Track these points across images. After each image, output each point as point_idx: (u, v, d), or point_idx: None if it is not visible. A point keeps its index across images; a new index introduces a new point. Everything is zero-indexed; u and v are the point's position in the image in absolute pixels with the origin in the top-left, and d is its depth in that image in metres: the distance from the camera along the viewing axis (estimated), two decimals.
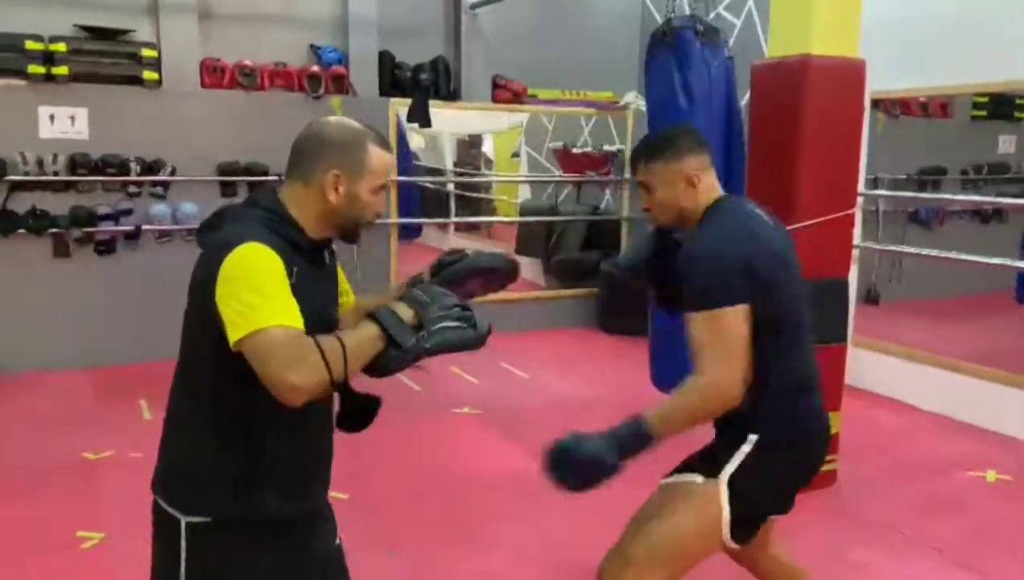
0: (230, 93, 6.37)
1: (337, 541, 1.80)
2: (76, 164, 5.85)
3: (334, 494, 1.77)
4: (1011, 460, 4.45)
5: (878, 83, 4.92)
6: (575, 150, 8.07)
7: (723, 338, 1.92)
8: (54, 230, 5.86)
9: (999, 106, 6.47)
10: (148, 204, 6.13)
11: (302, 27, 6.83)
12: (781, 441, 2.06)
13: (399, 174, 6.99)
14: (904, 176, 6.58)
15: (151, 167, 6.09)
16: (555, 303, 7.60)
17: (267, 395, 1.45)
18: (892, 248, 6.07)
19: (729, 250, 1.97)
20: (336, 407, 1.71)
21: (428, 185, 8.09)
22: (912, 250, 5.93)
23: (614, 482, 1.92)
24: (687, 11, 5.99)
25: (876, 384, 5.56)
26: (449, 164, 8.91)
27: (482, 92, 7.39)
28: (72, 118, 5.88)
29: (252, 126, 6.22)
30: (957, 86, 5.30)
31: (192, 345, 1.62)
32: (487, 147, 9.09)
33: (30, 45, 5.70)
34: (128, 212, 6.05)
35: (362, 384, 1.64)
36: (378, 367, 1.55)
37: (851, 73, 3.86)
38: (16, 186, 5.74)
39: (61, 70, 5.76)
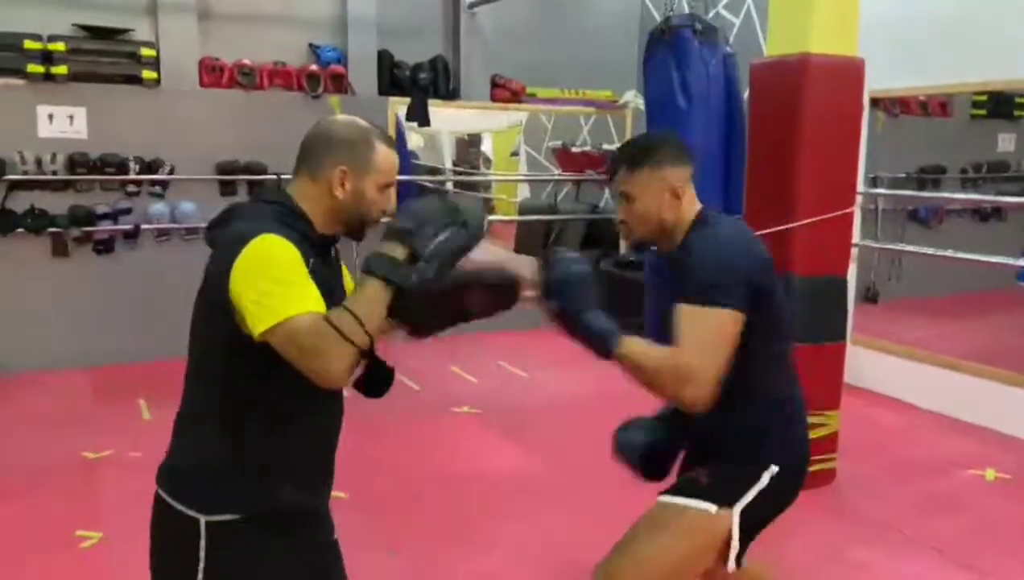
0: (229, 92, 6.37)
1: (335, 537, 1.80)
2: (75, 163, 5.85)
3: (334, 493, 1.77)
4: (1010, 459, 4.45)
5: (877, 82, 4.92)
6: (574, 149, 8.07)
7: (714, 334, 1.83)
8: (53, 229, 5.86)
9: (998, 105, 6.48)
10: (147, 203, 6.13)
11: (301, 26, 6.82)
12: (791, 468, 2.04)
13: (400, 172, 6.99)
14: (904, 175, 6.58)
15: (150, 166, 6.09)
16: None
17: (283, 386, 1.49)
18: (891, 246, 6.08)
19: (736, 255, 1.92)
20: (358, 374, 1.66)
21: (427, 184, 8.09)
22: (911, 249, 5.93)
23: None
24: (686, 10, 5.98)
25: (875, 383, 5.56)
26: (448, 163, 8.91)
27: (481, 91, 7.39)
28: (71, 117, 5.88)
29: (251, 125, 6.22)
30: (956, 85, 5.31)
31: (204, 340, 1.62)
32: (486, 146, 9.08)
33: (29, 44, 5.69)
34: (127, 211, 6.05)
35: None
36: (403, 317, 1.54)
37: (850, 72, 3.86)
38: (15, 185, 5.74)
39: (60, 69, 5.75)
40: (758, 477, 1.97)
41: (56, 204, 5.87)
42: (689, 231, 2.00)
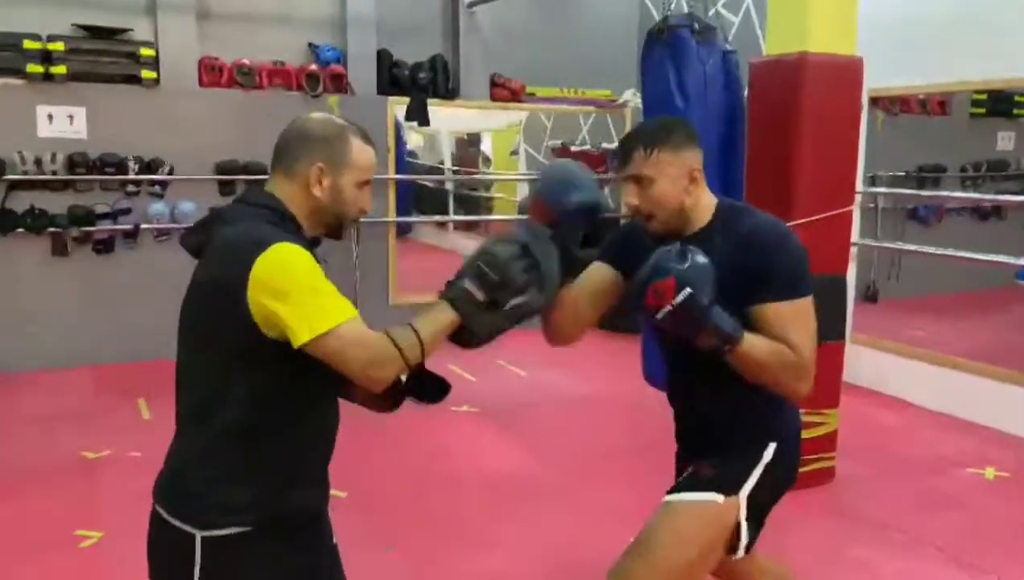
0: (228, 92, 6.37)
1: (335, 541, 1.80)
2: (74, 163, 5.85)
3: (333, 492, 1.77)
4: (1010, 457, 4.45)
5: (877, 80, 4.92)
6: (573, 148, 8.08)
7: (813, 326, 1.87)
8: (52, 229, 5.86)
9: (998, 103, 6.47)
10: (146, 203, 6.14)
11: (300, 26, 6.83)
12: (790, 448, 2.04)
13: (397, 171, 7.00)
14: (903, 173, 6.58)
15: (149, 166, 6.10)
16: None
17: (294, 391, 1.53)
18: (891, 245, 6.07)
19: (798, 242, 1.93)
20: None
21: (427, 184, 8.09)
22: (911, 247, 5.93)
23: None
24: (685, 9, 5.98)
25: (875, 382, 5.56)
26: (448, 162, 8.91)
27: (480, 90, 7.39)
28: (70, 117, 5.89)
29: (250, 125, 6.22)
30: (956, 84, 5.31)
31: (205, 349, 1.57)
32: (486, 145, 9.09)
33: (28, 44, 5.70)
34: (126, 211, 6.05)
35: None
36: (462, 343, 1.68)
37: (848, 71, 3.87)
38: (14, 185, 5.74)
39: (59, 69, 5.76)
40: (759, 459, 1.97)
41: (56, 204, 5.87)
42: (717, 219, 1.96)
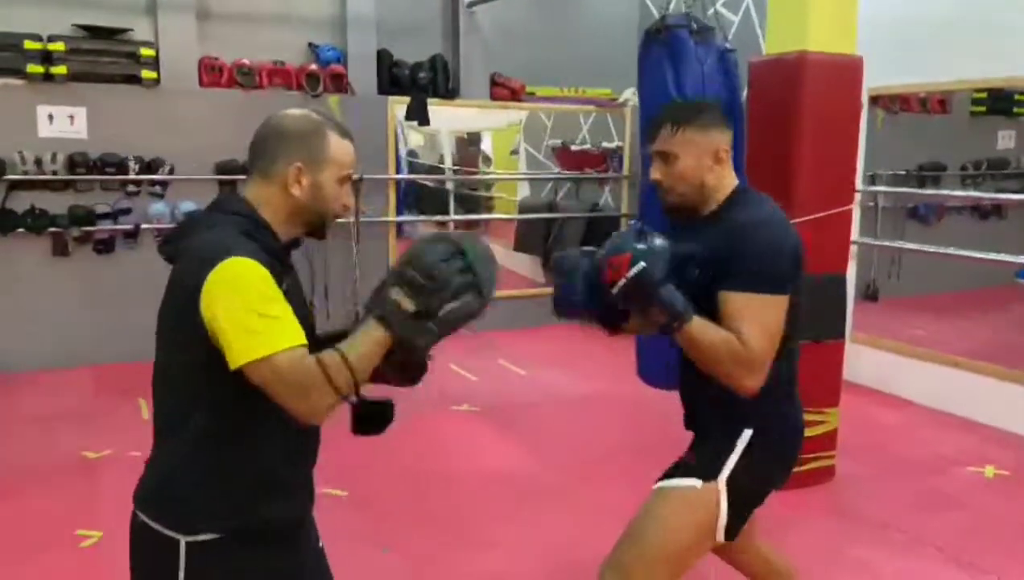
0: (228, 92, 6.37)
1: (320, 544, 1.79)
2: (75, 163, 5.85)
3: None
4: (1009, 456, 4.45)
5: (876, 79, 4.92)
6: (574, 147, 8.08)
7: (775, 322, 1.87)
8: (53, 229, 5.87)
9: (998, 102, 6.46)
10: (147, 203, 6.14)
11: (300, 26, 6.83)
12: (773, 437, 2.05)
13: (396, 171, 7.00)
14: (903, 172, 6.57)
15: (150, 166, 6.10)
16: None
17: (267, 402, 1.44)
18: (891, 244, 6.07)
19: (786, 237, 1.94)
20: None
21: (427, 183, 8.09)
22: (911, 246, 5.93)
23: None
24: (684, 8, 5.98)
25: (875, 380, 5.57)
26: (448, 162, 8.91)
27: (480, 90, 7.39)
28: (71, 117, 5.89)
29: (250, 125, 6.02)
30: (956, 82, 5.31)
31: (179, 357, 1.54)
32: (486, 145, 9.07)
33: (28, 44, 5.70)
34: (127, 211, 6.06)
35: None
36: (398, 373, 1.55)
37: (849, 69, 3.87)
38: (15, 185, 5.75)
39: (59, 69, 5.76)
40: (733, 445, 2.00)
41: (56, 204, 5.88)
42: (727, 203, 2.00)
